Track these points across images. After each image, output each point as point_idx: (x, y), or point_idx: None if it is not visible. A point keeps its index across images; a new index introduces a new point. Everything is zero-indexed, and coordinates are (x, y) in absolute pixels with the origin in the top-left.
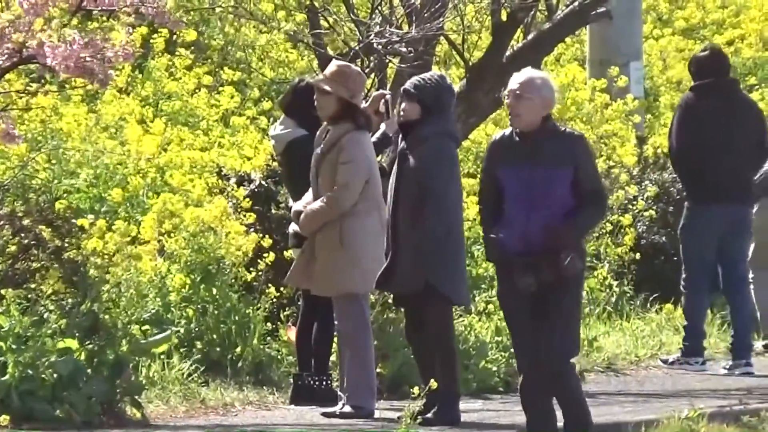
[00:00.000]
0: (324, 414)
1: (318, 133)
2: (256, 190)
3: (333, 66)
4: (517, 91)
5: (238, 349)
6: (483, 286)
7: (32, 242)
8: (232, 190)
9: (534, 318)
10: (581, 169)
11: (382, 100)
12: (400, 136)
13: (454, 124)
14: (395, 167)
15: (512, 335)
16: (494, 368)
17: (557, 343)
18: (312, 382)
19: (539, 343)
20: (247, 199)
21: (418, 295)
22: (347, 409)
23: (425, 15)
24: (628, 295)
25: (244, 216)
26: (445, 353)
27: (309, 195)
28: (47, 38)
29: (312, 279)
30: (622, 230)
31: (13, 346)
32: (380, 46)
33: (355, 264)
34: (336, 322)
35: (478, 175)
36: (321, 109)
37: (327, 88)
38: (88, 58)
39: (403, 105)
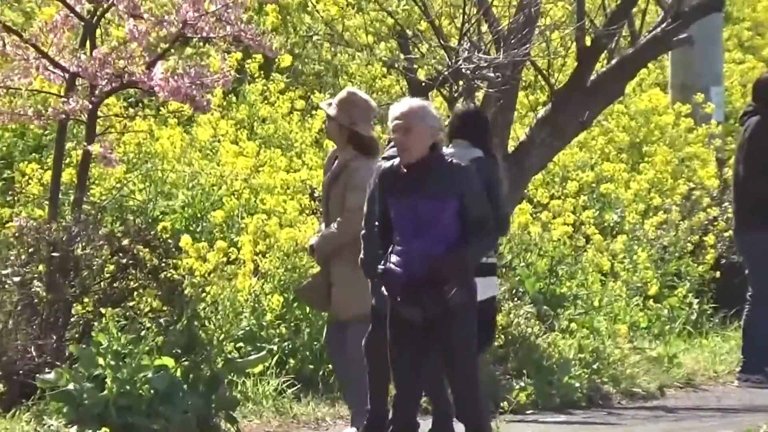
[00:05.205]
0: None
1: (327, 157)
2: None
3: (342, 93)
4: (404, 126)
5: (330, 366)
6: (566, 304)
7: (130, 262)
8: None
9: (420, 353)
10: (467, 198)
11: None
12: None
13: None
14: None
15: (393, 368)
16: (577, 384)
17: (463, 385)
18: None
19: (419, 378)
20: None
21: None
22: (353, 430)
23: (512, 41)
24: (708, 312)
25: None
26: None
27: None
28: (163, 72)
29: (331, 302)
30: (704, 250)
31: (112, 363)
32: (469, 71)
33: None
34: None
35: (562, 198)
36: (328, 134)
37: (330, 113)
38: (188, 84)
39: None
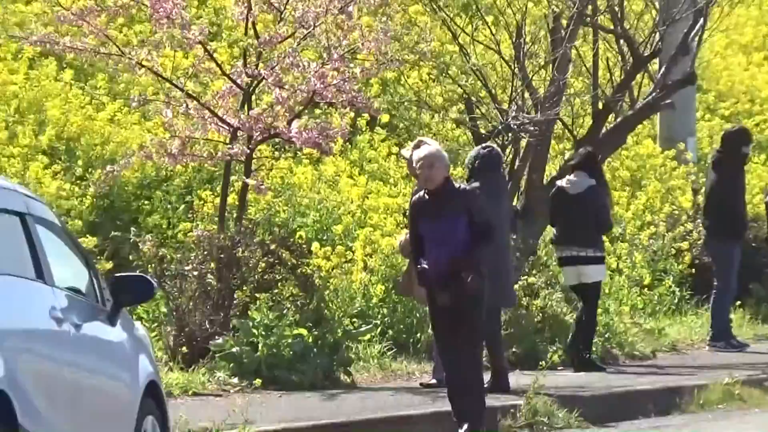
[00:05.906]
0: (421, 384)
1: (413, 187)
2: None
3: (415, 141)
4: (429, 163)
5: (418, 335)
6: None
7: (276, 261)
8: None
9: (453, 330)
10: (473, 212)
11: None
12: None
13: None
14: None
15: (438, 348)
16: (594, 348)
17: (474, 342)
18: (583, 354)
19: (458, 345)
20: None
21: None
22: (434, 381)
23: (547, 105)
24: (686, 298)
25: None
26: None
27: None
28: (297, 127)
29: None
30: (682, 253)
31: (263, 333)
32: (516, 126)
33: None
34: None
35: None
36: (408, 171)
37: (406, 156)
38: (316, 135)
39: None
